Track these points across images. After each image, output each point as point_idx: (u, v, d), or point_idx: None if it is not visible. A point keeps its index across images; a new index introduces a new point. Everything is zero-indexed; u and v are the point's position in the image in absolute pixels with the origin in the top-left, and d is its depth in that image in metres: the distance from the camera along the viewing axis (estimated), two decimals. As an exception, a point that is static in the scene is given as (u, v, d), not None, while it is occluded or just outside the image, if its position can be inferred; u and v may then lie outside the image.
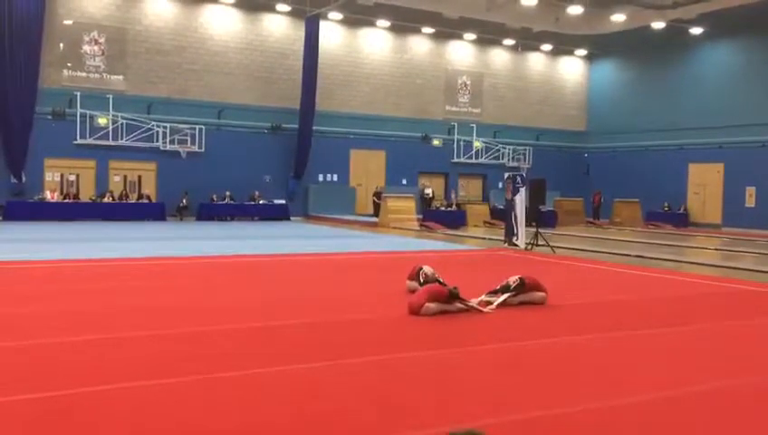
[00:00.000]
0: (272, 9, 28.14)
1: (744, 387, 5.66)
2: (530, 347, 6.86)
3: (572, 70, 35.95)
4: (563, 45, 33.99)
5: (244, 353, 6.28)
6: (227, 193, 26.65)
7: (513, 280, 8.99)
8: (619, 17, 28.38)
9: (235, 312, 8.23)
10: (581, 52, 35.29)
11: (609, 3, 27.35)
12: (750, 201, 28.96)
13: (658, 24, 28.65)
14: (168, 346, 6.44)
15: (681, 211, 31.02)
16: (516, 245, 17.50)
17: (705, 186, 30.75)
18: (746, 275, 13.23)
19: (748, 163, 28.71)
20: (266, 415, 4.66)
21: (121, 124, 25.29)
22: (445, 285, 8.69)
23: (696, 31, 29.79)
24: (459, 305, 8.32)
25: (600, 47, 34.46)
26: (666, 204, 31.26)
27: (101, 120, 25.08)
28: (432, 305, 8.13)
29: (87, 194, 25.18)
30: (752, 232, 26.42)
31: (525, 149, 33.20)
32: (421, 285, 9.34)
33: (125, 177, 26.16)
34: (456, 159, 32.26)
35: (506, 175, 18.81)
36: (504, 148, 32.87)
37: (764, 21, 27.67)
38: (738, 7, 25.77)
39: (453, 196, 30.69)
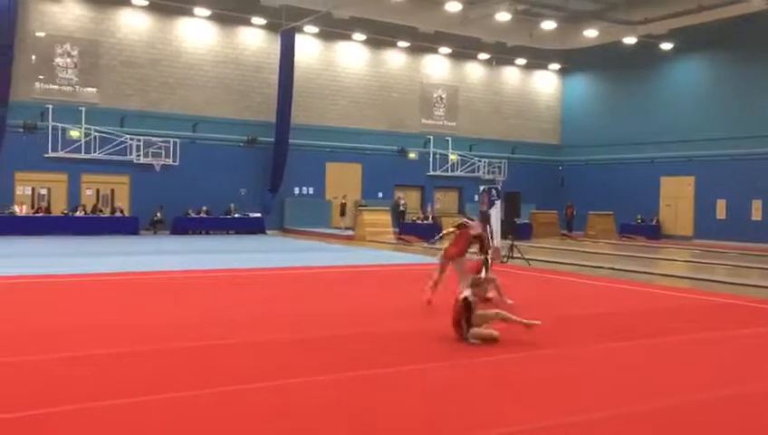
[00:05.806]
0: (247, 22, 28.08)
1: (725, 399, 5.71)
2: (511, 361, 6.86)
3: (546, 84, 36.33)
4: (537, 60, 34.37)
5: (206, 371, 6.19)
6: (203, 207, 26.41)
7: None
8: (591, 33, 28.77)
9: (203, 329, 8.13)
10: (555, 66, 35.70)
11: (582, 18, 27.73)
12: (720, 213, 29.41)
13: (630, 40, 29.14)
14: (134, 365, 6.33)
15: (654, 223, 31.42)
16: (492, 257, 17.52)
17: (676, 198, 31.18)
18: (718, 286, 13.39)
19: (718, 176, 29.18)
20: (237, 432, 4.59)
21: (94, 137, 24.98)
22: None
23: (667, 46, 30.33)
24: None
25: (573, 62, 34.92)
26: (639, 216, 31.64)
27: (74, 133, 24.76)
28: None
29: (59, 208, 24.80)
30: (722, 244, 26.80)
31: (501, 162, 33.41)
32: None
33: (98, 190, 25.82)
34: (431, 172, 32.36)
35: (482, 188, 18.91)
36: (480, 161, 33.06)
37: (733, 36, 28.26)
38: (707, 23, 26.31)
39: (429, 208, 30.75)
